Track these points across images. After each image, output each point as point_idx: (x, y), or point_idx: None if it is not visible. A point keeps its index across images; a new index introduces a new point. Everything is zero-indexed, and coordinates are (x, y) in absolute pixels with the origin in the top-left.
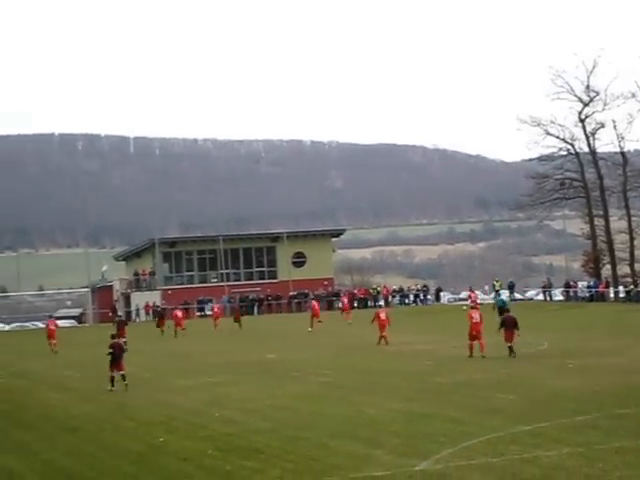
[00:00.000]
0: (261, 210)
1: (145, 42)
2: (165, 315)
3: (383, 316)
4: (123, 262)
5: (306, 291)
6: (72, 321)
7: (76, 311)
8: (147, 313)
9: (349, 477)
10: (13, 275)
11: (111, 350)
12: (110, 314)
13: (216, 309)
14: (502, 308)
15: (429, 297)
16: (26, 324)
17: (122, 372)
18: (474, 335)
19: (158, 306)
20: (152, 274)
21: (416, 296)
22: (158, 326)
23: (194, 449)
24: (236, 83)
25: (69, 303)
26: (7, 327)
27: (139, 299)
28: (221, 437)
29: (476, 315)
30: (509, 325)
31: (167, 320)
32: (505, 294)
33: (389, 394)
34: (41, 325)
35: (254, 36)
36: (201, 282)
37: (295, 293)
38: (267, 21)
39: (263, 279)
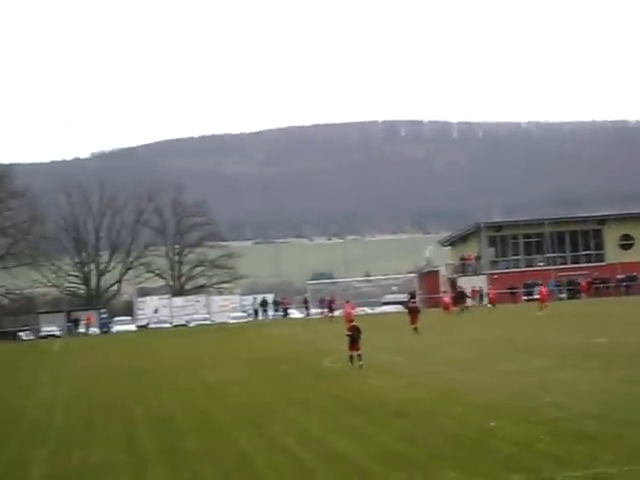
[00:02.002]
0: (587, 192)
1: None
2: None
3: None
4: (449, 247)
5: (634, 274)
6: (398, 306)
7: (402, 296)
8: (473, 298)
9: None
10: (341, 261)
11: (349, 333)
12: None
13: (544, 291)
14: None
15: None
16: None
17: (358, 352)
18: None
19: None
20: (478, 259)
21: None
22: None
23: (525, 434)
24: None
25: (395, 289)
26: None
27: (465, 284)
28: (552, 422)
29: None
30: None
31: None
32: None
33: None
34: (369, 311)
35: None
36: (527, 266)
37: (623, 276)
38: None
39: (590, 262)
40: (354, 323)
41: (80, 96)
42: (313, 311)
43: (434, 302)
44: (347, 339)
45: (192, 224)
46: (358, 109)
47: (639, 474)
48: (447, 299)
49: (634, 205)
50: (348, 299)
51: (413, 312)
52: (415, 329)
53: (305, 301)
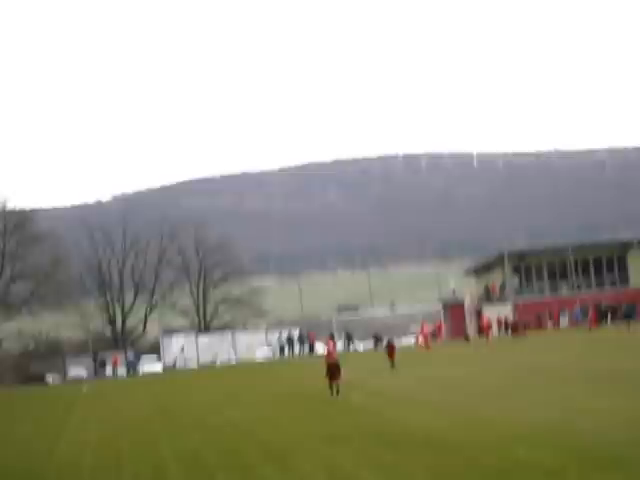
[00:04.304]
0: (611, 218)
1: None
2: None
3: None
4: (473, 277)
5: None
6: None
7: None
8: (499, 328)
9: None
10: (365, 294)
11: (328, 370)
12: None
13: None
14: None
15: None
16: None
17: (337, 382)
18: None
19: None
20: (502, 287)
21: None
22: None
23: (555, 462)
24: (567, 92)
25: (421, 320)
26: (361, 345)
27: (491, 313)
28: (582, 449)
29: None
30: None
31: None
32: None
33: None
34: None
35: None
36: (552, 293)
37: None
38: None
39: (615, 287)
40: (333, 361)
41: (100, 141)
42: (339, 345)
43: (459, 334)
44: (326, 374)
45: (215, 262)
46: (379, 143)
47: None
48: (426, 331)
49: None
50: (330, 335)
51: (389, 348)
52: (392, 365)
53: (331, 336)
